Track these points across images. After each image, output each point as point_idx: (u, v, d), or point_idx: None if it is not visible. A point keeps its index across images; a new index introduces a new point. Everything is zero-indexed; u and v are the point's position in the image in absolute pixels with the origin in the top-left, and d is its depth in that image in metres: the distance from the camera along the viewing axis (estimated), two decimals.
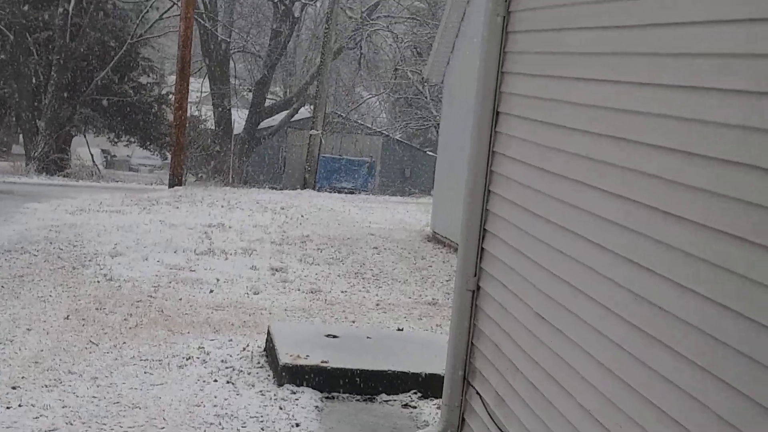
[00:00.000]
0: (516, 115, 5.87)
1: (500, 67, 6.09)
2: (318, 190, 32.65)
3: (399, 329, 10.24)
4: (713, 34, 3.69)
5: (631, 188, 4.24)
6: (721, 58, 3.63)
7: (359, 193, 36.14)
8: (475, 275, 6.26)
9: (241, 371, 8.44)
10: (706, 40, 3.74)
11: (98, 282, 11.89)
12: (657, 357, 3.92)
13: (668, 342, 3.84)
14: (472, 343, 6.32)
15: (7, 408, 7.09)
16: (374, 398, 8.03)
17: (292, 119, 45.69)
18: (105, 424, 6.91)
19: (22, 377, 7.91)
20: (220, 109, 43.52)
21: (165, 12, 39.38)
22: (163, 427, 6.97)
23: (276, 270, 13.32)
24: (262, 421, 7.20)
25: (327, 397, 7.94)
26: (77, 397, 7.49)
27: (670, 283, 3.85)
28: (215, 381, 8.14)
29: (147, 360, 8.63)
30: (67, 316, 10.07)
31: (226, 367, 8.51)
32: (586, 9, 4.97)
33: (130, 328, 9.80)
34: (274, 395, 7.80)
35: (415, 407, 7.88)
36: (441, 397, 6.69)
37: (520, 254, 5.56)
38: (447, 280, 13.40)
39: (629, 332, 4.16)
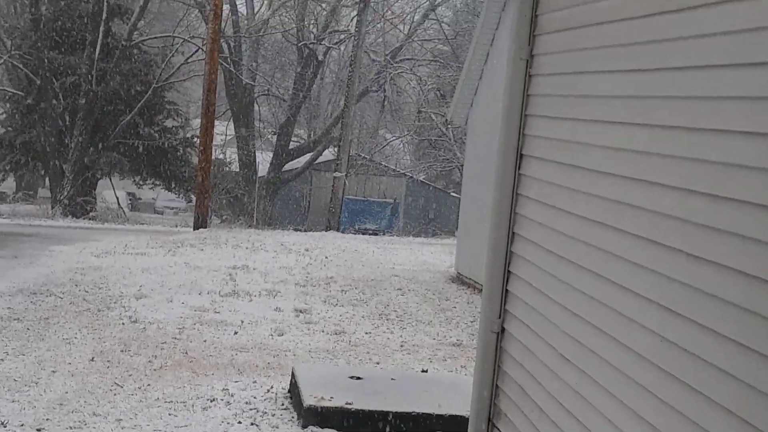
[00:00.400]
0: (539, 158, 5.88)
1: (524, 109, 6.11)
2: (342, 232, 32.68)
3: (423, 371, 10.21)
4: (739, 78, 3.70)
5: (656, 230, 4.24)
6: (747, 102, 3.64)
7: (383, 234, 36.13)
8: (500, 317, 6.25)
9: (266, 413, 8.43)
10: (731, 83, 3.75)
11: (123, 324, 11.93)
12: (684, 401, 3.90)
13: (696, 386, 3.82)
14: (496, 384, 6.30)
15: None
16: None
17: (317, 161, 45.83)
18: None
19: (47, 419, 7.93)
20: (245, 151, 43.73)
21: (190, 56, 39.73)
22: None
23: (300, 311, 13.33)
24: None
25: None
26: None
27: (697, 326, 3.84)
28: (239, 423, 8.13)
29: (171, 402, 8.64)
30: (92, 358, 10.11)
31: (251, 409, 8.51)
32: (607, 52, 4.99)
33: (154, 369, 9.82)
34: None
35: None
36: None
37: (544, 296, 5.55)
38: (471, 321, 13.37)
39: (655, 375, 4.14)
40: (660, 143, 4.28)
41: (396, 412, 8.07)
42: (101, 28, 34.98)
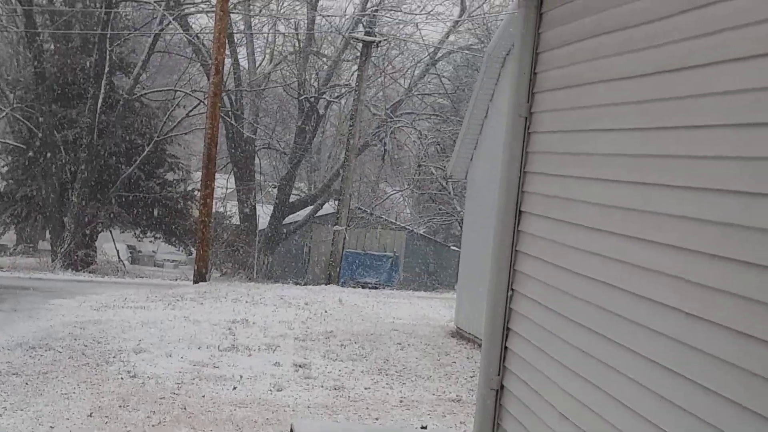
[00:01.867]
0: (538, 215, 5.91)
1: (523, 166, 6.15)
2: (342, 285, 32.64)
3: (423, 427, 10.15)
4: (736, 138, 3.74)
5: (652, 288, 4.25)
6: (744, 162, 3.67)
7: (383, 288, 36.08)
8: (499, 374, 6.24)
9: None
10: (727, 143, 3.79)
11: (122, 379, 11.89)
12: None
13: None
14: None
15: None
16: None
17: (317, 214, 45.92)
18: None
19: None
20: (245, 204, 43.83)
21: (192, 110, 39.95)
22: None
23: (299, 366, 13.28)
24: None
25: None
26: None
27: (698, 386, 3.84)
28: None
29: None
30: (91, 413, 10.06)
31: None
32: (604, 111, 5.04)
33: (153, 425, 9.77)
34: None
35: None
36: None
37: (543, 353, 5.55)
38: (471, 377, 13.32)
39: None
40: (655, 202, 4.30)
41: None
42: (104, 82, 35.21)
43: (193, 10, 38.65)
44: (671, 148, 4.23)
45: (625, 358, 4.47)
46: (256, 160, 44.97)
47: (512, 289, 6.17)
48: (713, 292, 3.76)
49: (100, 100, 35.17)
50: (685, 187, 4.06)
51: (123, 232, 41.73)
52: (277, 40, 46.26)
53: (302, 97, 43.25)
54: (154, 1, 35.80)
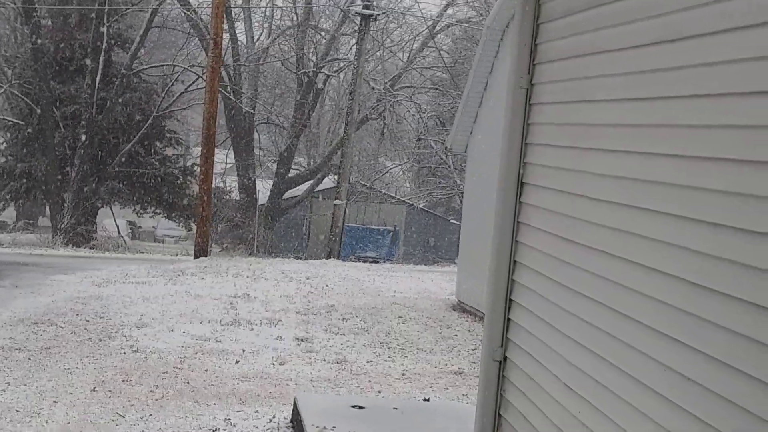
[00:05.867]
0: (540, 186, 5.91)
1: (524, 138, 6.14)
2: (342, 260, 32.67)
3: (425, 399, 10.18)
4: (737, 106, 3.73)
5: (657, 258, 4.25)
6: (747, 130, 3.67)
7: (383, 262, 36.10)
8: (502, 345, 6.25)
9: None
10: (730, 111, 3.78)
11: (124, 353, 11.92)
12: (688, 430, 3.90)
13: (701, 416, 3.82)
14: (499, 414, 6.29)
15: None
16: None
17: (316, 189, 45.90)
18: None
19: None
20: (245, 179, 43.79)
21: (190, 85, 39.82)
22: None
23: (301, 340, 13.32)
24: None
25: None
26: None
27: (702, 355, 3.84)
28: None
29: None
30: (94, 388, 10.09)
31: None
32: (607, 81, 5.03)
33: (156, 399, 9.80)
34: None
35: None
36: None
37: (546, 324, 5.56)
38: (473, 349, 13.35)
39: (659, 404, 4.15)
40: (660, 171, 4.30)
41: None
42: (102, 58, 35.13)
43: None
44: (675, 118, 4.22)
45: (630, 329, 4.47)
46: (255, 135, 44.89)
47: (515, 260, 6.17)
48: (717, 262, 3.76)
49: (99, 76, 35.10)
50: (689, 156, 4.05)
51: (123, 207, 41.72)
52: (275, 14, 46.13)
53: (301, 71, 43.15)
54: None
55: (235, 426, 8.84)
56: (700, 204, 3.92)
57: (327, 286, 18.92)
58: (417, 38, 45.04)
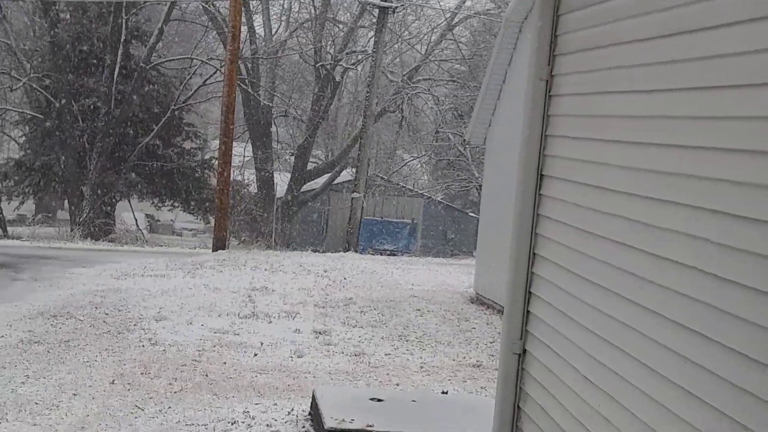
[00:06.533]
0: (560, 178, 5.87)
1: (544, 130, 6.10)
2: (360, 253, 32.65)
3: (444, 392, 10.16)
4: (761, 97, 3.69)
5: (680, 251, 4.22)
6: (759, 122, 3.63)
7: (401, 255, 36.04)
8: (521, 338, 6.22)
9: None
10: (753, 103, 3.74)
11: (143, 346, 11.94)
12: (708, 422, 3.87)
13: (721, 408, 3.79)
14: (518, 406, 6.27)
15: None
16: None
17: (334, 182, 45.87)
18: None
19: None
20: (263, 172, 43.82)
21: (208, 78, 39.86)
22: None
23: (319, 333, 13.31)
24: None
25: None
26: None
27: (722, 347, 3.81)
28: None
29: (192, 425, 8.63)
30: (113, 380, 10.12)
31: (271, 431, 8.49)
32: (628, 73, 4.98)
33: (175, 392, 9.82)
34: None
35: None
36: None
37: (566, 317, 5.53)
38: (491, 342, 13.32)
39: (679, 396, 4.12)
40: (681, 163, 4.26)
41: None
42: (120, 51, 35.22)
43: None
44: (695, 109, 4.18)
45: (650, 321, 4.44)
46: (273, 128, 44.90)
47: (534, 253, 6.14)
48: (738, 253, 3.72)
49: (117, 69, 35.18)
50: (710, 147, 4.02)
51: (141, 201, 41.81)
52: (293, 6, 46.12)
53: (318, 64, 43.10)
54: None
55: (253, 419, 8.84)
56: (721, 195, 3.89)
57: (345, 278, 18.91)
58: (435, 30, 44.93)
